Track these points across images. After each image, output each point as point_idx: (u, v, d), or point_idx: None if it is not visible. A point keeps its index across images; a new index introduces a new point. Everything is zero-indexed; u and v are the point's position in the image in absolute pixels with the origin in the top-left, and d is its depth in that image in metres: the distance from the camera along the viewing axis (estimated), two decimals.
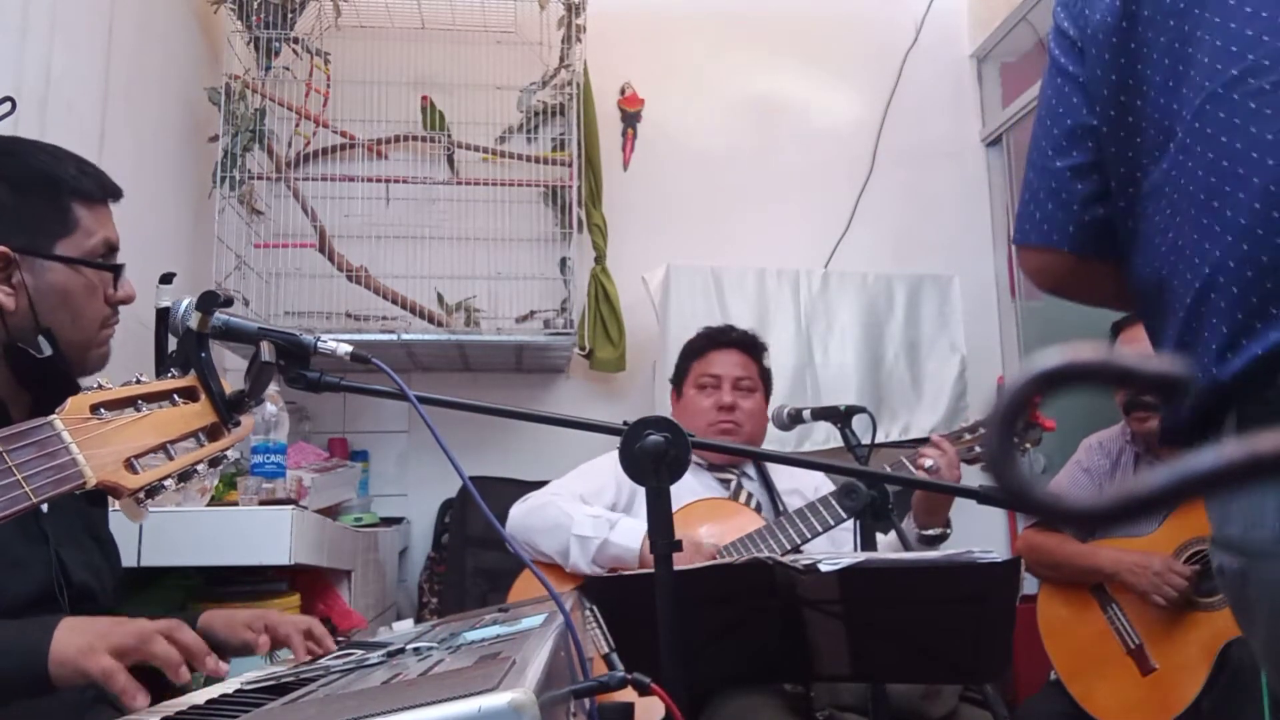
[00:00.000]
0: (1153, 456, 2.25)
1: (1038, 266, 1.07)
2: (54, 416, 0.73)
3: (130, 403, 0.80)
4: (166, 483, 0.80)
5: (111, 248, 1.27)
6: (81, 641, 0.96)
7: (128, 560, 1.59)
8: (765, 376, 2.32)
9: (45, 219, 1.20)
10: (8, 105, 1.70)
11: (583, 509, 2.04)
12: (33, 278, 1.17)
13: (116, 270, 1.25)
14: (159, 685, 1.02)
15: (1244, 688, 1.92)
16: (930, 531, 1.88)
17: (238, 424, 0.91)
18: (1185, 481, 0.32)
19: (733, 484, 2.21)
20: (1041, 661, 2.30)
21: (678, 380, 2.33)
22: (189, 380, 0.88)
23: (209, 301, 0.96)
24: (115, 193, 1.30)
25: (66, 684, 0.96)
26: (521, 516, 2.09)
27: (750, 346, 2.29)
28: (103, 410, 0.77)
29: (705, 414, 2.20)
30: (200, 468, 0.85)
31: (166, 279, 1.02)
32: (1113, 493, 0.34)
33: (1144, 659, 2.12)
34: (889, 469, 1.96)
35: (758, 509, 2.14)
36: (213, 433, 0.88)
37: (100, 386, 0.79)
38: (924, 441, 1.99)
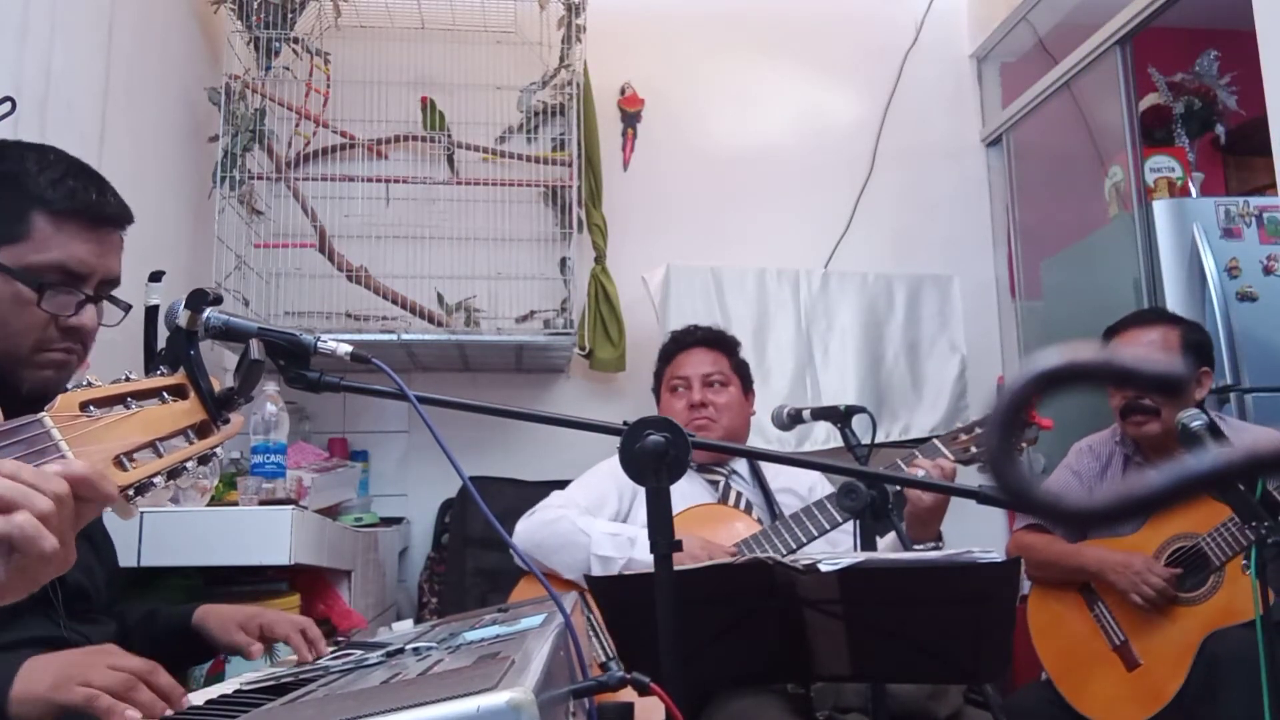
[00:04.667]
0: (1141, 458, 2.27)
1: None
2: (44, 414, 0.73)
3: (119, 400, 0.80)
4: (156, 480, 0.80)
5: (68, 272, 1.16)
6: (51, 677, 0.93)
7: (127, 560, 1.59)
8: (740, 369, 2.32)
9: None
10: (8, 105, 1.70)
11: (598, 526, 2.02)
12: None
13: (41, 289, 1.14)
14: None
15: (1220, 680, 1.95)
16: (921, 546, 1.87)
17: (227, 421, 0.91)
18: (1185, 482, 0.32)
19: (721, 484, 2.20)
20: (1035, 660, 2.31)
21: (656, 387, 2.35)
22: (178, 378, 0.88)
23: (198, 300, 0.95)
24: (95, 213, 1.18)
25: (34, 715, 0.93)
26: (530, 532, 2.06)
27: (716, 342, 2.31)
28: (92, 408, 0.77)
29: (679, 415, 2.20)
30: (189, 465, 0.84)
31: (155, 277, 1.01)
32: (1113, 492, 0.34)
33: (1129, 655, 2.15)
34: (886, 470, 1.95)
35: (748, 509, 2.14)
36: (202, 430, 0.88)
37: (89, 384, 0.79)
38: (925, 442, 1.99)
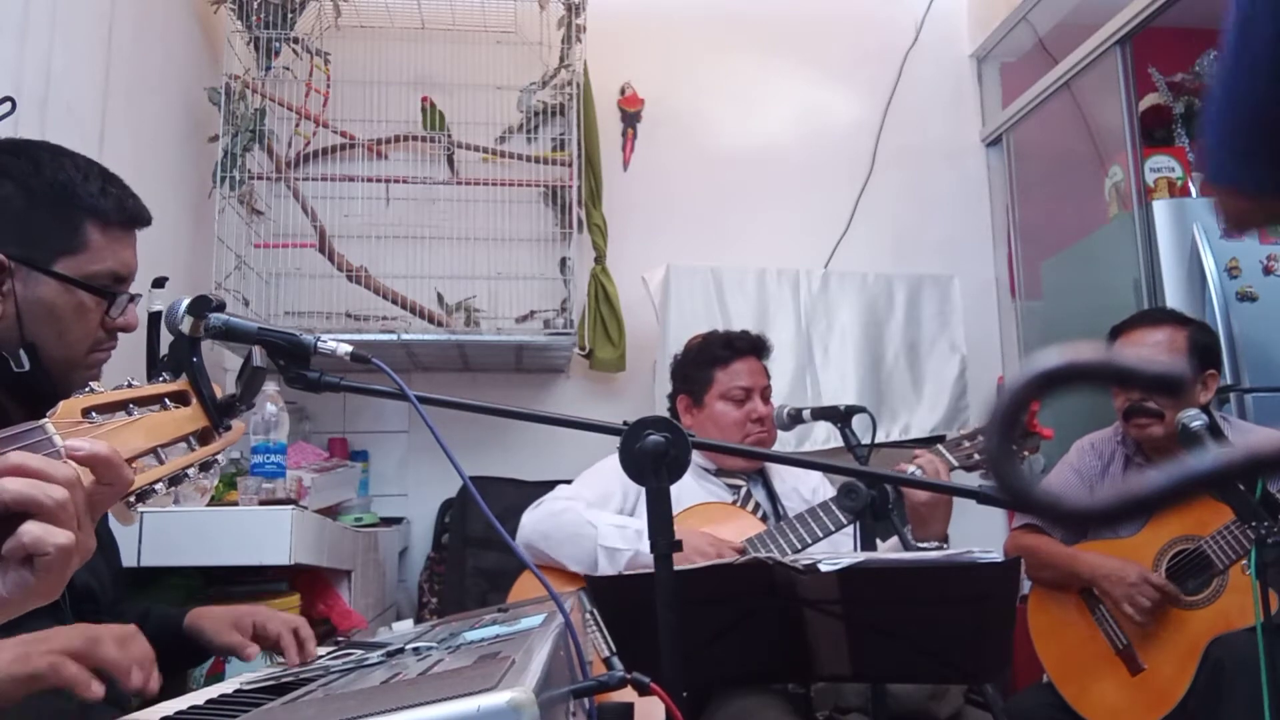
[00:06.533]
0: (1142, 458, 2.26)
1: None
2: (46, 420, 0.73)
3: (121, 406, 0.80)
4: (157, 487, 0.80)
5: (118, 277, 1.22)
6: (10, 653, 0.89)
7: (128, 560, 1.59)
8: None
9: (51, 232, 1.17)
10: (8, 105, 1.69)
11: (604, 518, 2.02)
12: (24, 288, 1.15)
13: (111, 297, 1.21)
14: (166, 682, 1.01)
15: (1225, 686, 1.93)
16: (925, 545, 1.86)
17: (228, 428, 0.91)
18: (1185, 482, 0.32)
19: (742, 490, 2.19)
20: (1036, 662, 2.30)
21: (697, 389, 2.25)
22: (180, 384, 0.88)
23: (201, 306, 0.95)
24: (137, 218, 1.26)
25: (3, 700, 0.89)
26: (536, 524, 2.06)
27: (764, 349, 2.29)
28: (94, 414, 0.77)
29: (739, 426, 2.17)
30: (190, 472, 0.84)
31: (159, 283, 1.01)
32: (1113, 492, 0.34)
33: (1133, 659, 2.13)
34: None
35: (764, 518, 2.13)
36: (203, 437, 0.88)
37: (92, 390, 0.79)
38: (924, 442, 1.99)
